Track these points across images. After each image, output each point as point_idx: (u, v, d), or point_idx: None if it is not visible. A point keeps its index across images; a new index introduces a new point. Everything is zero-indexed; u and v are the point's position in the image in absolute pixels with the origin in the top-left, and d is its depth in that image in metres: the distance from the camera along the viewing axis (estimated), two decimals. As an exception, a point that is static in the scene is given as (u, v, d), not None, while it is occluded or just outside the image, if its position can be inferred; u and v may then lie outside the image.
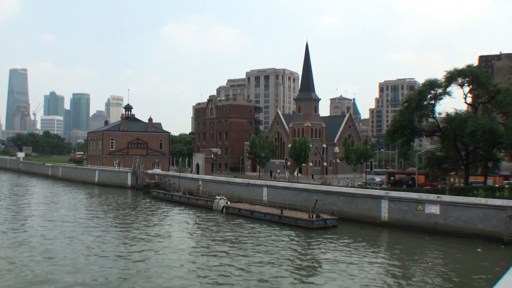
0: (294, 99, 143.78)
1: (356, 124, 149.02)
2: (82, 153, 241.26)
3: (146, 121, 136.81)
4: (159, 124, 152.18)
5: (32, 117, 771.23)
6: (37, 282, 31.26)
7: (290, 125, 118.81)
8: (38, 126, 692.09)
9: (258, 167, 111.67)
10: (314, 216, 53.90)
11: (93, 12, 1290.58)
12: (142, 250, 41.59)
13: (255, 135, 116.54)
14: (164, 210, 69.93)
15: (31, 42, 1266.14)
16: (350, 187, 69.89)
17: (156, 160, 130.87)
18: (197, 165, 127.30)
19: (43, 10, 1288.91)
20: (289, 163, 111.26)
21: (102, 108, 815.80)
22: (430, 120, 67.38)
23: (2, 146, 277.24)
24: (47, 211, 66.65)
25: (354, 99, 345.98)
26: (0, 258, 37.25)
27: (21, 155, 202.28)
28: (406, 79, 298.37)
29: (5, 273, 33.05)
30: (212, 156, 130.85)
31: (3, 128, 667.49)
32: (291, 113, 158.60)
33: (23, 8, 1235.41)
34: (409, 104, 63.51)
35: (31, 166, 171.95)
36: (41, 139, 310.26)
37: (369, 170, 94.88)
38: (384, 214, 55.41)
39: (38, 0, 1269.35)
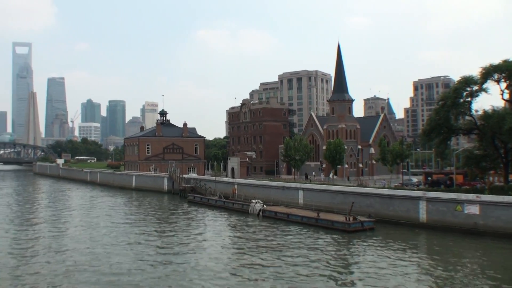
0: (327, 100, 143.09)
1: (391, 124, 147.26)
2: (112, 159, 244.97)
3: (181, 126, 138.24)
4: (194, 129, 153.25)
5: (70, 124, 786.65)
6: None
7: (324, 127, 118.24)
8: (76, 133, 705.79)
9: (293, 170, 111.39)
10: (351, 218, 53.62)
11: (126, 21, 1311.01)
12: (179, 253, 42.24)
13: (289, 138, 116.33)
14: (200, 214, 70.58)
15: (67, 51, 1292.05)
16: (387, 188, 69.10)
17: (192, 165, 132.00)
18: (232, 169, 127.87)
19: (77, 20, 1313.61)
20: (324, 166, 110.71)
21: (138, 114, 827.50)
22: (467, 118, 66.08)
23: (42, 153, 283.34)
24: (86, 216, 67.98)
25: (388, 99, 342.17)
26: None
27: (60, 161, 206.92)
28: (440, 76, 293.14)
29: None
30: (247, 159, 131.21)
31: (43, 135, 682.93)
32: (325, 115, 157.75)
33: (57, 18, 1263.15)
34: (445, 102, 62.48)
35: (70, 172, 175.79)
36: (79, 145, 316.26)
37: (405, 170, 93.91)
38: (422, 216, 54.71)
39: (72, 11, 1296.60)
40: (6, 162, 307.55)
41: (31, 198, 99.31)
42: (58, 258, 40.12)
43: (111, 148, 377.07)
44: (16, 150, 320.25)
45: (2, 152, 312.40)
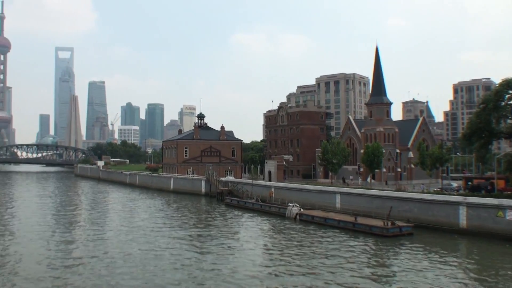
0: (365, 104, 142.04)
1: (430, 128, 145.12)
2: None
3: (218, 129, 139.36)
4: (231, 132, 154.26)
5: (110, 127, 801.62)
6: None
7: (362, 131, 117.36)
8: (116, 135, 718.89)
9: (330, 173, 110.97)
10: (389, 223, 53.08)
11: (164, 25, 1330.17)
12: (216, 256, 42.62)
13: (327, 142, 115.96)
14: (237, 217, 70.99)
15: (107, 55, 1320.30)
16: (426, 193, 68.12)
17: (229, 168, 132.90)
18: (269, 172, 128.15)
19: (118, 25, 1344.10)
20: (361, 169, 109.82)
21: (176, 117, 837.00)
22: (509, 121, 64.83)
23: (83, 155, 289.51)
24: (126, 218, 69.24)
25: (427, 102, 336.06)
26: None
27: (100, 163, 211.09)
28: (481, 79, 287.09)
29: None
30: (284, 163, 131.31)
31: (84, 138, 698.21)
32: (363, 118, 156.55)
33: (98, 23, 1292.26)
34: (486, 105, 61.33)
35: (110, 174, 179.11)
36: (119, 148, 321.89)
37: (445, 175, 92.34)
38: (462, 221, 53.71)
39: (113, 15, 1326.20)
40: (48, 164, 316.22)
41: (73, 200, 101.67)
42: (99, 260, 40.98)
43: (149, 150, 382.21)
44: (58, 152, 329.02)
45: (45, 154, 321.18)
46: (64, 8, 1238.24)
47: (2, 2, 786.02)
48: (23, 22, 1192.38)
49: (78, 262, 40.15)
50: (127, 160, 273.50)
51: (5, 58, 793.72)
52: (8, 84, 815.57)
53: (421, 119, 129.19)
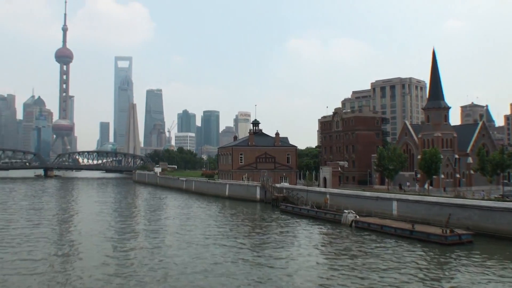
0: (422, 108, 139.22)
1: (491, 132, 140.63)
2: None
3: (273, 135, 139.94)
4: (286, 138, 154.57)
5: (167, 134, 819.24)
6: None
7: (419, 136, 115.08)
8: (173, 142, 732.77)
9: (387, 180, 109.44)
10: (448, 231, 51.98)
11: (219, 33, 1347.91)
12: (272, 261, 42.99)
13: (383, 147, 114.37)
14: (292, 223, 71.08)
15: (164, 64, 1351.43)
16: (486, 200, 66.21)
17: (284, 174, 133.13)
18: (324, 179, 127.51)
19: (174, 34, 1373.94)
20: (419, 176, 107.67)
21: (231, 124, 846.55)
22: None
23: (141, 162, 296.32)
24: (183, 224, 70.50)
25: (487, 105, 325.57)
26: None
27: (158, 170, 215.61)
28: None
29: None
30: (339, 169, 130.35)
31: (142, 145, 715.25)
32: (420, 123, 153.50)
33: (155, 33, 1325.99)
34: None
35: (167, 180, 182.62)
36: (175, 154, 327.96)
37: (506, 181, 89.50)
38: (525, 230, 52.02)
39: (169, 25, 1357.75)
40: (108, 170, 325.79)
41: (132, 206, 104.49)
42: (157, 265, 42.03)
43: (205, 157, 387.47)
44: (117, 159, 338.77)
45: (104, 160, 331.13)
46: (123, 19, 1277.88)
47: (65, 15, 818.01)
48: (85, 33, 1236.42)
49: (138, 269, 41.23)
50: (175, 166, 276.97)
51: (67, 68, 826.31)
52: (70, 93, 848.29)
53: (480, 123, 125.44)
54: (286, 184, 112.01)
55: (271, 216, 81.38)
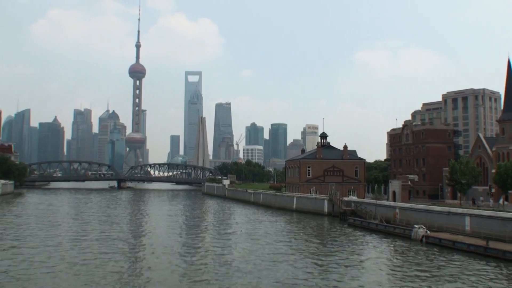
0: (496, 120, 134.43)
1: None
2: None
3: (341, 148, 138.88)
4: (354, 151, 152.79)
5: (235, 147, 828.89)
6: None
7: (494, 149, 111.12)
8: (241, 155, 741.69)
9: (459, 194, 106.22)
10: (525, 248, 49.91)
11: (286, 46, 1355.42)
12: (341, 276, 42.72)
13: (455, 161, 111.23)
14: (361, 237, 70.21)
15: (232, 78, 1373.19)
16: None
17: (352, 187, 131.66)
18: (393, 192, 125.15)
19: (242, 49, 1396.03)
20: (493, 190, 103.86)
21: (298, 137, 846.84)
22: None
23: (210, 174, 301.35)
24: (251, 236, 71.02)
25: None
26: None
27: (226, 182, 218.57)
28: None
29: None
30: (409, 183, 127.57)
31: (211, 157, 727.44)
32: (494, 136, 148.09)
33: (224, 48, 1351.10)
34: None
35: (235, 192, 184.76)
36: (243, 167, 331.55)
37: None
38: None
39: (237, 40, 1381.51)
40: (178, 182, 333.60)
41: (201, 218, 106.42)
42: (223, 278, 42.65)
43: (272, 170, 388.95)
44: (187, 171, 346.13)
45: (175, 172, 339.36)
46: (193, 34, 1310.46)
47: (138, 32, 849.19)
48: (156, 49, 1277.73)
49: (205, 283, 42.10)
50: (234, 176, 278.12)
51: (140, 83, 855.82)
52: (143, 107, 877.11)
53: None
54: (354, 198, 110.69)
55: (339, 230, 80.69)
